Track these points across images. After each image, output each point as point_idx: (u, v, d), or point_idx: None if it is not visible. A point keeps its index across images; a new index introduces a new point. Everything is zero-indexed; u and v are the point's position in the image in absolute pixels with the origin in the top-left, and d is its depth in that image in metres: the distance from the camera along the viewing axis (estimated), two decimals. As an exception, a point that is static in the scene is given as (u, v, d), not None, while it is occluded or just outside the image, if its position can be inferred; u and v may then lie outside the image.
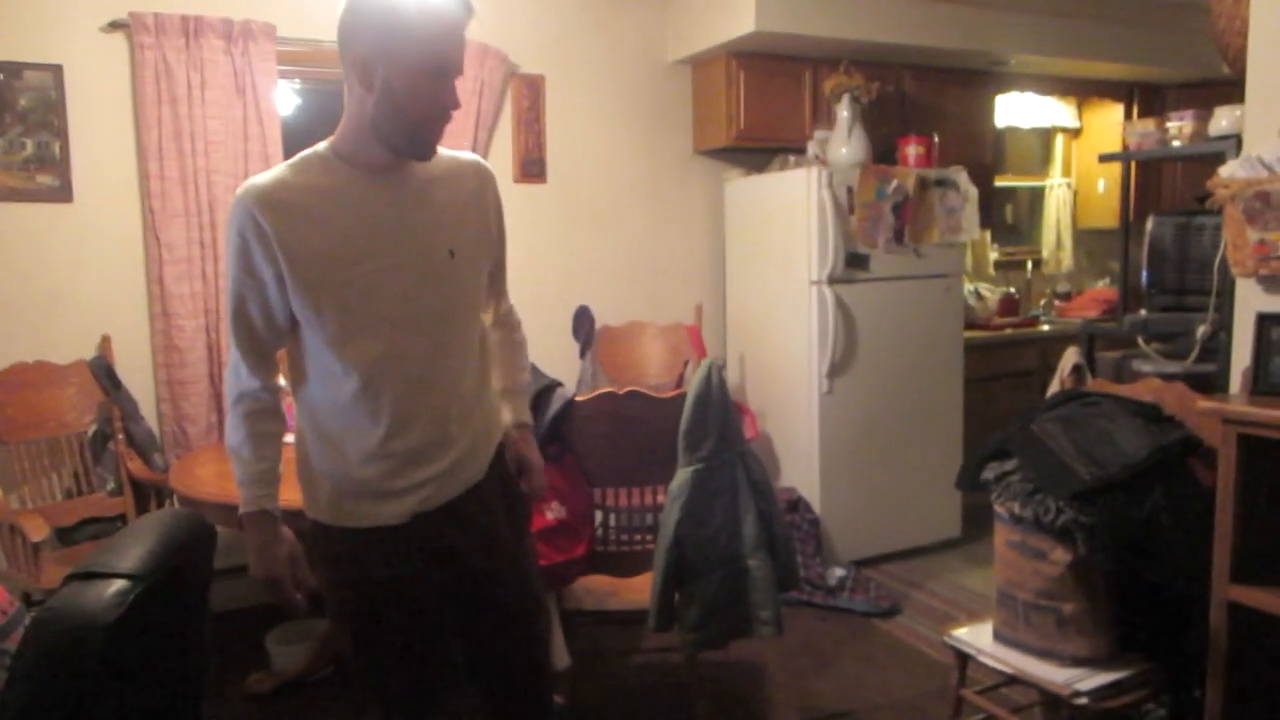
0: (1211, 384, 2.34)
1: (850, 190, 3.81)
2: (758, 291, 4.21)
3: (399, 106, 1.47)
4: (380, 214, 1.54)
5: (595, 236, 4.26)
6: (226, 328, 1.59)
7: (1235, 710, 1.87)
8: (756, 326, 4.25)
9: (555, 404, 2.36)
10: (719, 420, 2.41)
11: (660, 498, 2.52)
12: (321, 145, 1.56)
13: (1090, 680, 2.02)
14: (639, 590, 2.52)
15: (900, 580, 3.86)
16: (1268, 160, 1.94)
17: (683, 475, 2.42)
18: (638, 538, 2.58)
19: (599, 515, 2.62)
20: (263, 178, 1.51)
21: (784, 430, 4.09)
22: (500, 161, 3.99)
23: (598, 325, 4.11)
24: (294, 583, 1.58)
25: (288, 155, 1.63)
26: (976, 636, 2.28)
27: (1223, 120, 2.44)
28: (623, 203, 4.31)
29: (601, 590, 2.62)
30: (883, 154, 4.10)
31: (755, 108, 4.15)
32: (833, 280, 3.79)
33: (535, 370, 2.41)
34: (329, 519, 1.60)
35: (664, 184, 4.39)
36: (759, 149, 4.25)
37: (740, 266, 4.35)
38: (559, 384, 2.40)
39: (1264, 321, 1.97)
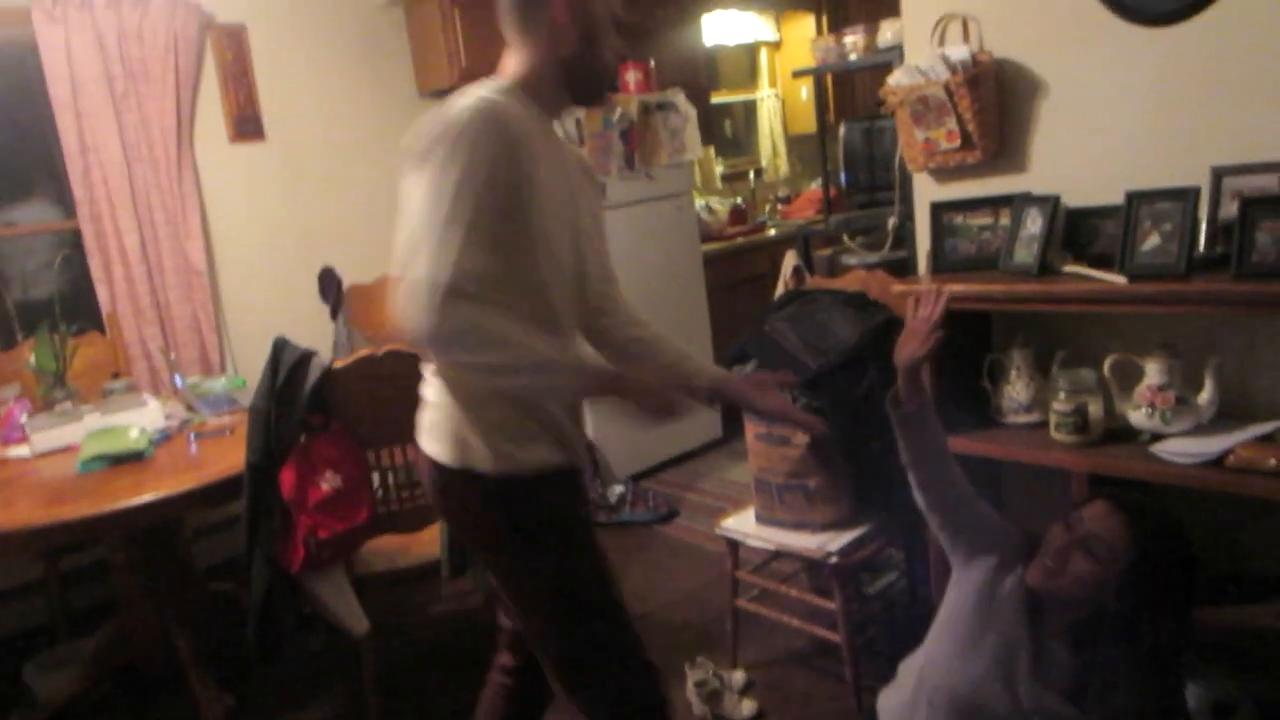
0: (905, 268, 2.68)
1: (578, 122, 3.90)
2: (503, 231, 4.24)
3: (597, 47, 1.47)
4: (566, 166, 1.52)
5: (328, 191, 4.10)
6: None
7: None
8: (507, 265, 4.30)
9: (313, 374, 2.32)
10: (481, 364, 2.47)
11: (435, 448, 2.56)
12: (501, 82, 1.46)
13: (838, 540, 2.31)
14: (428, 543, 2.56)
15: (675, 485, 4.13)
16: (924, 68, 2.22)
17: (454, 422, 2.47)
18: (419, 492, 2.61)
19: (376, 477, 2.62)
20: (493, 95, 1.40)
21: (548, 362, 4.20)
22: (210, 122, 3.74)
23: (346, 284, 4.00)
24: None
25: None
26: (742, 523, 2.53)
27: (888, 33, 2.74)
28: (351, 153, 4.16)
29: (391, 550, 2.63)
30: (604, 83, 4.21)
31: (475, 45, 4.12)
32: (573, 212, 3.89)
33: (287, 342, 2.36)
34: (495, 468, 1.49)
35: (393, 130, 4.27)
36: (484, 88, 4.23)
37: (482, 208, 4.35)
38: (313, 353, 2.35)
39: (937, 209, 2.28)
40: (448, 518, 1.62)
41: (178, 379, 3.06)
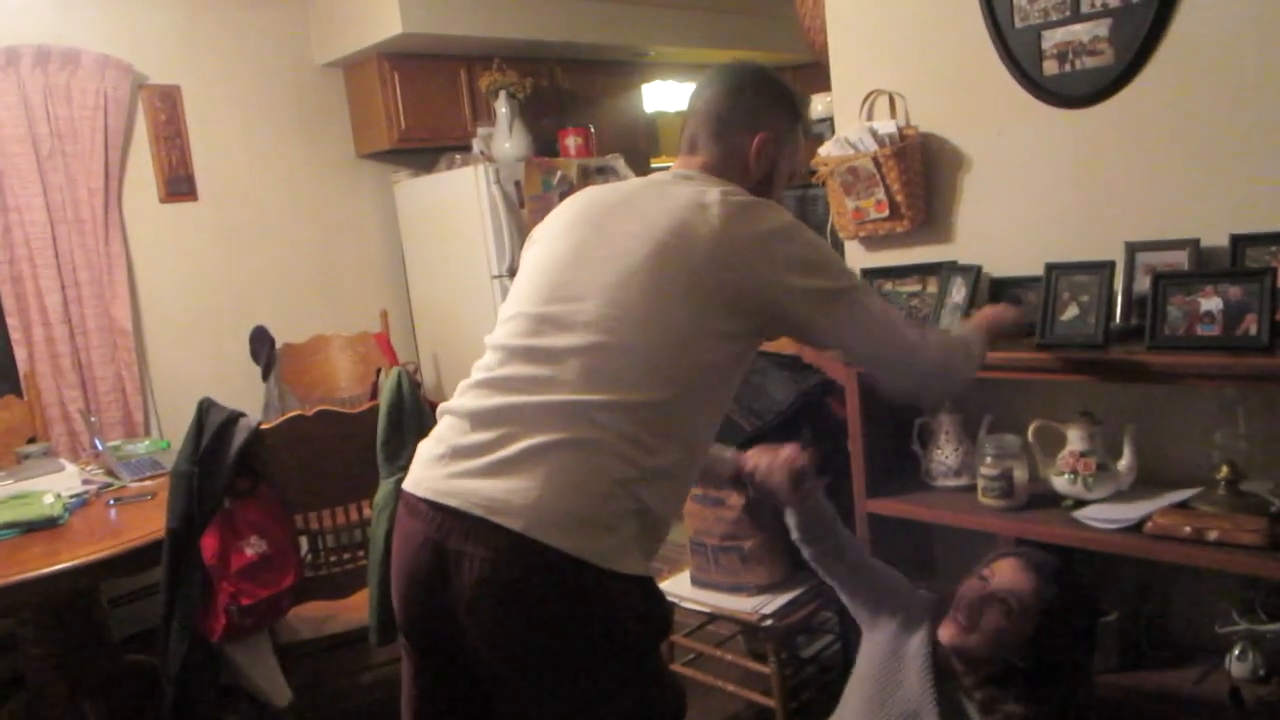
0: (839, 332, 2.72)
1: (518, 184, 3.94)
2: (442, 291, 4.24)
3: (772, 191, 1.54)
4: None
5: (262, 251, 4.05)
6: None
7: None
8: (445, 326, 4.28)
9: (240, 436, 2.26)
10: (415, 427, 2.44)
11: (367, 512, 2.51)
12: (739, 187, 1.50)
13: (772, 603, 2.31)
14: (357, 608, 2.49)
15: (613, 547, 4.09)
16: (853, 140, 2.30)
17: (385, 487, 2.43)
18: (347, 556, 2.55)
19: (305, 541, 2.55)
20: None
21: (486, 423, 4.16)
22: (142, 181, 3.69)
23: (278, 344, 3.93)
24: None
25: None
26: (677, 585, 2.51)
27: (819, 105, 2.83)
28: (287, 214, 4.13)
29: (318, 616, 2.56)
30: (545, 147, 4.27)
31: (414, 108, 4.15)
32: (513, 273, 3.90)
33: (213, 403, 2.30)
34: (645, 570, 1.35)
35: (329, 191, 4.27)
36: (424, 149, 4.25)
37: (421, 268, 4.35)
38: (240, 414, 2.30)
39: (867, 276, 2.34)
40: (553, 622, 1.28)
41: (97, 442, 2.96)
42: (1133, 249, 1.98)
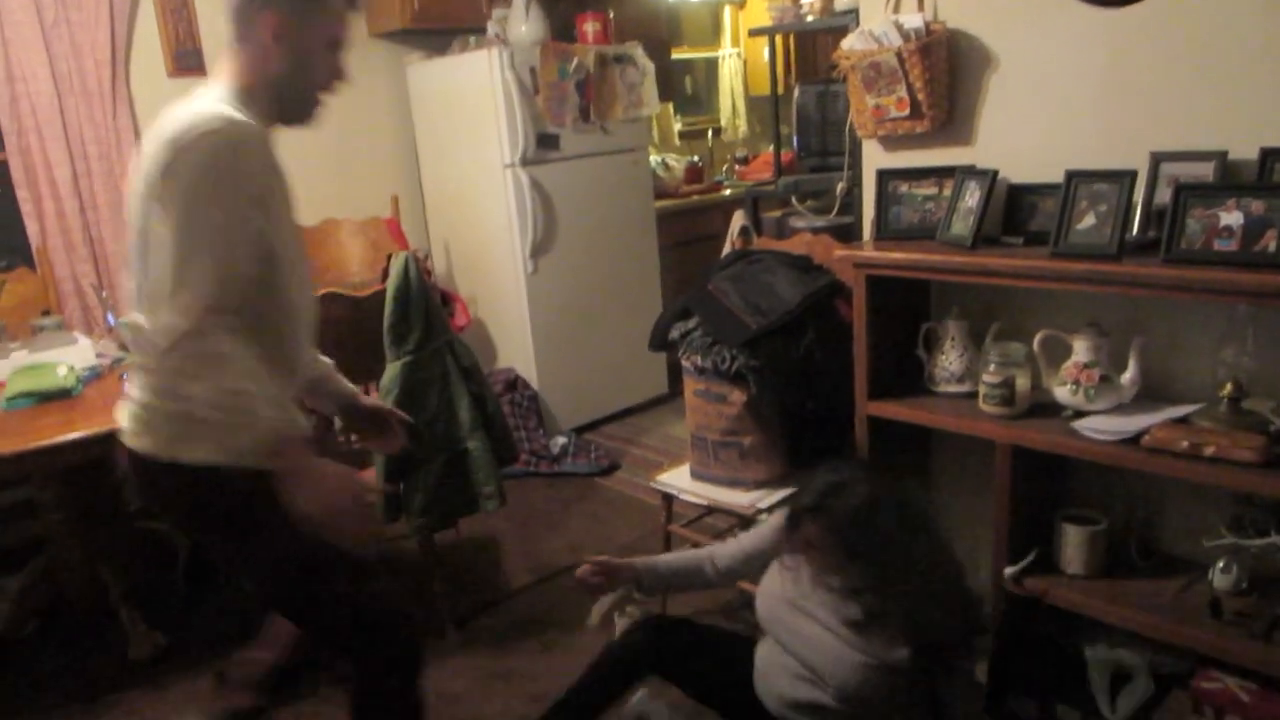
0: (851, 234, 2.69)
1: (533, 70, 3.84)
2: (454, 177, 4.19)
3: (306, 70, 1.50)
4: (287, 184, 1.56)
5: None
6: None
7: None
8: (456, 213, 4.25)
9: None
10: (421, 311, 2.45)
11: (373, 394, 2.54)
12: (225, 91, 1.49)
13: (769, 498, 2.35)
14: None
15: (618, 439, 4.16)
16: (877, 33, 2.21)
17: (392, 369, 2.46)
18: (354, 437, 2.59)
19: (311, 419, 2.59)
20: (233, 112, 1.43)
21: (496, 313, 4.18)
22: (149, 54, 3.61)
23: (289, 227, 3.92)
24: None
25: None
26: (677, 478, 2.56)
27: (845, -3, 2.72)
28: (299, 93, 4.05)
29: (326, 494, 2.62)
30: (561, 31, 4.14)
31: (429, -15, 4.02)
32: (526, 162, 3.85)
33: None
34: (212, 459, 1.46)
35: (341, 70, 4.17)
36: (438, 30, 4.14)
37: (433, 153, 4.28)
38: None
39: (883, 177, 2.30)
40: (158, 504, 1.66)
41: (110, 317, 2.99)
42: (1158, 159, 1.93)
